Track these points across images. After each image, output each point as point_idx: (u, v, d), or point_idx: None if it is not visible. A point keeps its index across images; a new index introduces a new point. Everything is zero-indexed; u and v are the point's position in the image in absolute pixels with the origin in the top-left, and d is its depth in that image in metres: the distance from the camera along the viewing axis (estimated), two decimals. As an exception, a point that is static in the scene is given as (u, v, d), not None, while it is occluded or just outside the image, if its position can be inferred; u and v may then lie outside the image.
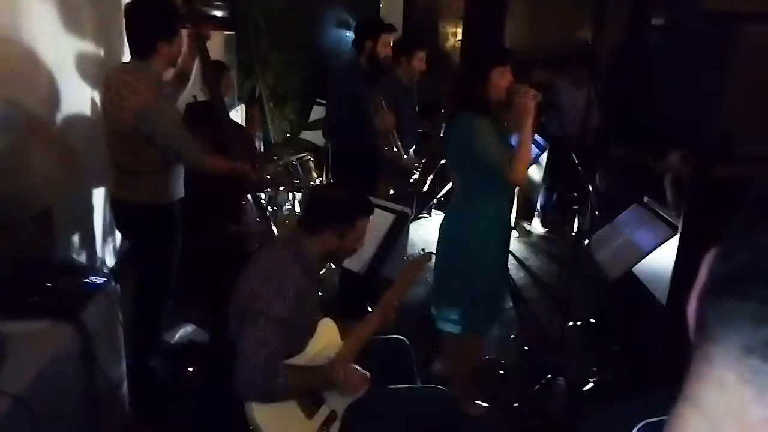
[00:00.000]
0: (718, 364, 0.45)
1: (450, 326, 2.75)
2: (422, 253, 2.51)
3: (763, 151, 1.43)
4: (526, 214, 5.40)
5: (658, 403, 0.53)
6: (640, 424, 0.55)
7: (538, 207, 5.32)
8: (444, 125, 2.65)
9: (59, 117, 3.00)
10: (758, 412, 0.42)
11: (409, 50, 3.79)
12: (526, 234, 5.32)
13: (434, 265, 2.83)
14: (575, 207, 3.52)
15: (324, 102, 4.70)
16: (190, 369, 2.90)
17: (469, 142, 2.47)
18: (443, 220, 2.82)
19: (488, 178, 2.54)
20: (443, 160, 4.15)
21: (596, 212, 3.02)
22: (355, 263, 2.59)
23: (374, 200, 2.63)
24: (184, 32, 2.72)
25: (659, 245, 2.53)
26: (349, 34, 6.46)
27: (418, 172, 4.12)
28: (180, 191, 2.84)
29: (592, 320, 3.63)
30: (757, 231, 0.45)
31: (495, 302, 2.85)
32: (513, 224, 5.27)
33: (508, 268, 3.12)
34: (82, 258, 3.23)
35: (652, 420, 0.54)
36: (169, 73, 2.88)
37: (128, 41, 2.63)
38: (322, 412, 1.92)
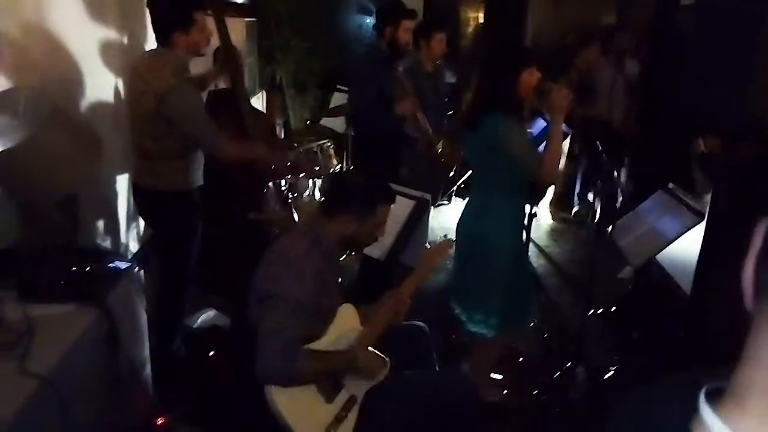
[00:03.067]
0: None
1: (482, 328, 2.73)
2: (443, 239, 2.50)
3: None
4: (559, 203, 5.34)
5: (714, 374, 0.56)
6: (705, 388, 0.56)
7: (576, 195, 5.22)
8: (466, 126, 2.62)
9: (83, 104, 3.04)
10: None
11: (428, 33, 3.76)
12: (560, 219, 5.27)
13: (454, 263, 2.82)
14: (599, 193, 3.47)
15: (345, 89, 4.69)
16: (211, 353, 2.95)
17: (500, 142, 2.46)
18: (461, 217, 2.77)
19: (513, 178, 2.55)
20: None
21: (621, 199, 2.97)
22: (375, 250, 2.60)
23: (394, 187, 2.63)
24: (208, 20, 2.72)
25: (684, 233, 2.49)
26: (370, 20, 6.43)
27: (444, 156, 4.08)
28: (199, 179, 2.87)
29: (613, 308, 3.60)
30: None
31: (524, 298, 2.81)
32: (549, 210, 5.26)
33: (529, 259, 3.08)
34: (107, 243, 3.28)
35: (716, 384, 0.56)
36: (197, 66, 2.90)
37: (153, 30, 2.69)
38: (342, 397, 1.94)
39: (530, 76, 2.48)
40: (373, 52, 3.74)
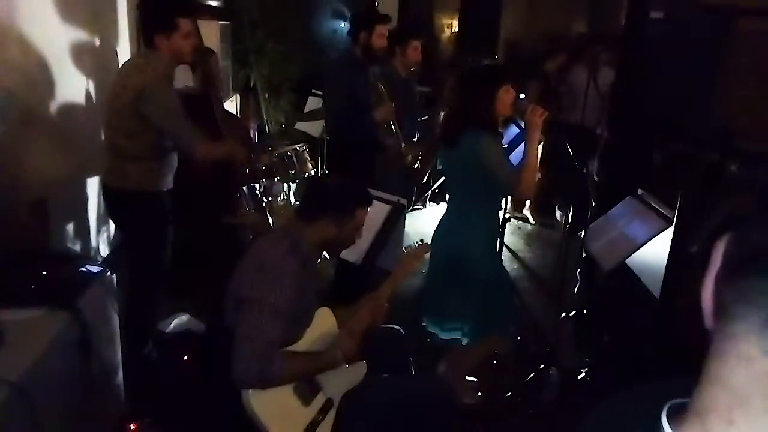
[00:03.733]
0: (742, 340, 0.49)
1: (456, 335, 2.75)
2: (419, 243, 2.51)
3: (760, 144, 1.46)
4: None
5: (678, 387, 0.57)
6: (668, 405, 0.57)
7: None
8: (444, 142, 2.67)
9: (54, 107, 2.99)
10: None
11: (404, 40, 3.79)
12: (541, 224, 5.33)
13: (427, 275, 2.84)
14: (570, 197, 3.55)
15: (319, 93, 4.70)
16: (185, 357, 2.92)
17: (478, 159, 2.52)
18: (437, 230, 2.79)
19: (489, 194, 2.62)
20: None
21: (592, 203, 3.04)
22: (351, 254, 2.60)
23: (371, 191, 2.65)
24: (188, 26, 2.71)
25: (652, 238, 2.55)
26: (344, 25, 6.45)
27: (418, 162, 4.12)
28: (168, 183, 2.85)
29: (585, 311, 3.66)
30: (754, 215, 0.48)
31: (503, 308, 2.83)
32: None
33: (504, 267, 3.13)
34: (77, 247, 3.23)
35: (679, 401, 0.56)
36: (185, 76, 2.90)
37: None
38: (319, 400, 1.94)
39: (506, 93, 2.57)
40: (347, 57, 3.75)
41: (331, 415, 1.95)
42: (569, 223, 3.20)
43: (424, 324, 2.83)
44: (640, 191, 2.88)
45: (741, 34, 1.29)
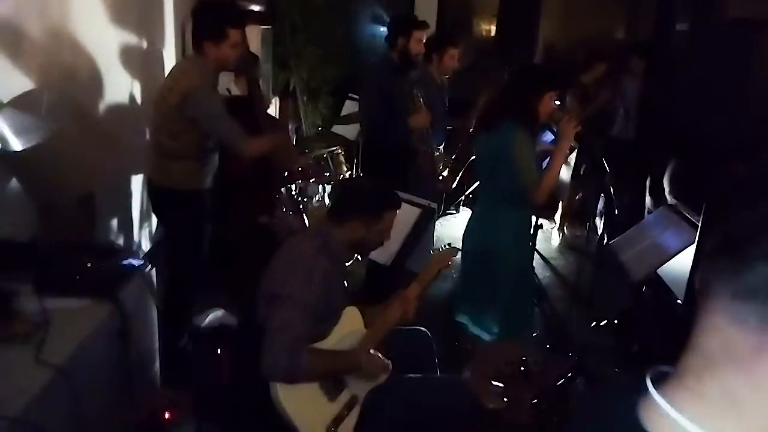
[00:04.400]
0: (714, 312, 0.59)
1: (483, 332, 2.81)
2: (448, 247, 2.55)
3: None
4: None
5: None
6: (651, 372, 0.66)
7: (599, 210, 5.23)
8: (479, 131, 2.71)
9: (103, 106, 3.13)
10: (744, 345, 0.56)
11: (442, 47, 3.82)
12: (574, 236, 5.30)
13: (460, 271, 2.88)
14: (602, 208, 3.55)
15: (356, 97, 4.77)
16: (218, 351, 3.01)
17: (510, 150, 2.58)
18: (468, 224, 2.86)
19: (518, 187, 2.65)
20: (472, 157, 4.18)
21: (615, 212, 3.05)
22: (381, 255, 2.66)
23: (401, 195, 2.69)
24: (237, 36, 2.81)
25: (685, 248, 2.53)
26: (384, 30, 6.51)
27: (447, 170, 4.16)
28: (209, 182, 2.96)
29: (615, 321, 3.63)
30: (735, 208, 0.62)
31: (525, 307, 2.89)
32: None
33: (534, 271, 3.16)
34: (121, 241, 3.37)
35: (662, 369, 0.66)
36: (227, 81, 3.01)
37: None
38: (344, 396, 1.99)
39: (550, 100, 2.64)
40: (384, 62, 3.81)
41: (355, 412, 2.01)
42: (601, 233, 3.20)
43: (456, 316, 2.88)
44: (673, 201, 2.86)
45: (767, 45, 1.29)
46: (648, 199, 3.69)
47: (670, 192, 3.16)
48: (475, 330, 2.80)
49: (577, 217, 5.29)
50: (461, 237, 2.90)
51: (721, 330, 0.58)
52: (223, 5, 2.82)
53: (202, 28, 2.74)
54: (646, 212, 3.72)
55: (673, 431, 0.61)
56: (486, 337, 2.76)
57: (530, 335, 3.57)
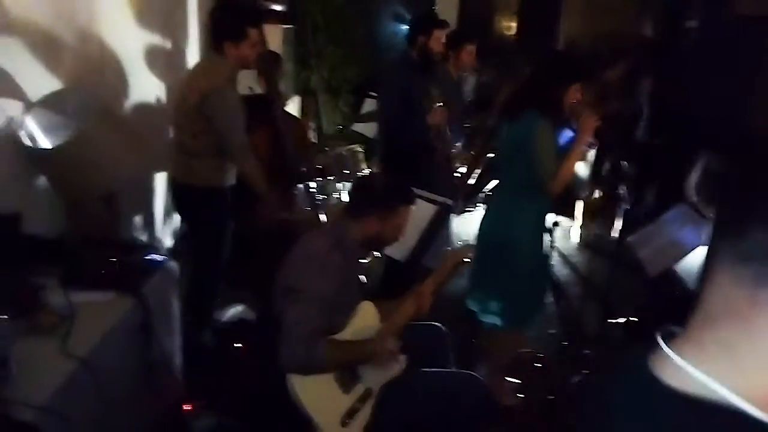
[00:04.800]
0: (716, 273, 0.67)
1: (491, 319, 2.83)
2: (462, 244, 2.58)
3: None
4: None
5: None
6: (660, 332, 0.74)
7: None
8: (501, 122, 2.72)
9: (128, 106, 3.21)
10: (740, 300, 0.64)
11: (458, 44, 3.82)
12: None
13: (474, 257, 2.89)
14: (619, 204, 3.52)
15: (376, 95, 4.80)
16: (239, 345, 3.07)
17: (532, 139, 2.58)
18: (485, 213, 2.88)
19: (537, 179, 2.65)
20: (490, 155, 4.18)
21: (628, 207, 3.04)
22: (397, 251, 2.69)
23: (418, 191, 2.72)
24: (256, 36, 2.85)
25: (701, 244, 2.52)
26: (405, 28, 6.53)
27: (465, 167, 4.17)
28: (231, 178, 3.00)
29: (633, 318, 3.61)
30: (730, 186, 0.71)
31: (535, 298, 2.90)
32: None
33: (551, 264, 3.16)
34: (144, 237, 3.45)
35: (671, 328, 0.74)
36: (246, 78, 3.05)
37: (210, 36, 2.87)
38: (358, 389, 2.03)
39: (575, 92, 2.62)
40: (403, 60, 3.83)
41: (369, 405, 2.04)
42: (620, 230, 3.18)
43: (469, 304, 2.93)
44: (694, 198, 2.84)
45: None
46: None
47: (694, 190, 3.13)
48: (485, 317, 2.84)
49: (596, 215, 5.25)
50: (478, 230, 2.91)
51: (722, 287, 0.66)
52: (242, 5, 2.87)
53: (222, 28, 2.77)
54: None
55: (678, 374, 0.69)
56: (496, 322, 2.80)
57: (547, 331, 3.59)
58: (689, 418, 0.68)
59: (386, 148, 3.97)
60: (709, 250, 0.70)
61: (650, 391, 0.71)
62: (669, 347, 0.71)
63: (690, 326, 0.71)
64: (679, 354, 0.70)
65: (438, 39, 3.69)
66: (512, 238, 2.71)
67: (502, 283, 2.76)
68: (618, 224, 3.20)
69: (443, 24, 3.79)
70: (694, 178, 3.09)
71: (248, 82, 3.59)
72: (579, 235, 5.22)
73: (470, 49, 3.83)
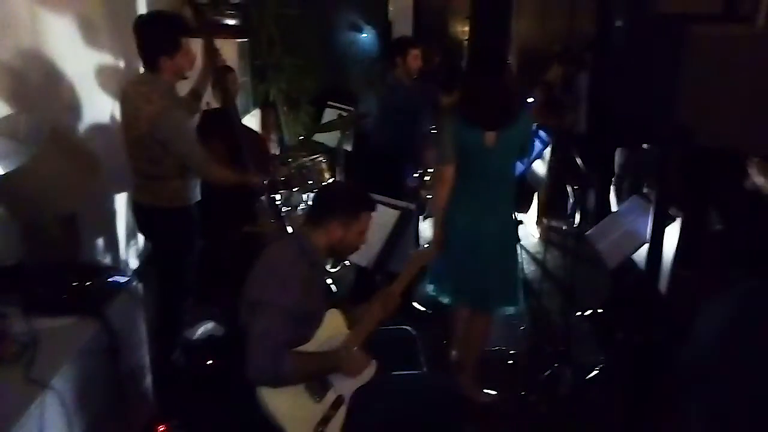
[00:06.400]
0: None
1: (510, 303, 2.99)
2: (427, 247, 2.61)
3: (718, 142, 1.54)
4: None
5: None
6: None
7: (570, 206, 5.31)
8: (507, 121, 2.80)
9: (81, 126, 3.17)
10: None
11: (403, 50, 3.91)
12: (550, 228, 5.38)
13: (481, 260, 2.89)
14: (578, 200, 3.63)
15: (336, 105, 4.85)
16: (209, 362, 3.05)
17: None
18: (489, 222, 2.85)
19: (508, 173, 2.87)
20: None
21: (574, 200, 3.16)
22: (363, 258, 2.71)
23: (381, 198, 2.75)
24: (194, 42, 2.82)
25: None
26: (365, 36, 6.60)
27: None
28: (197, 195, 2.97)
29: (599, 310, 3.70)
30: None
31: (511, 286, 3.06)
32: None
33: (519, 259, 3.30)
34: (107, 259, 3.40)
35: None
36: (182, 87, 2.99)
37: (139, 55, 2.75)
38: (330, 397, 2.04)
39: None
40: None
41: (342, 412, 2.05)
42: (578, 224, 3.28)
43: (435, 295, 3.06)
44: (645, 189, 2.93)
45: (693, 39, 1.37)
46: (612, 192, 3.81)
47: (643, 181, 3.24)
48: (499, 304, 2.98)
49: (549, 210, 5.37)
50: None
51: None
52: (169, 16, 2.77)
53: (155, 43, 2.66)
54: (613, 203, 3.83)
55: None
56: (515, 306, 2.99)
57: (517, 328, 3.66)
58: None
59: (373, 160, 4.04)
60: None
61: None
62: None
63: None
64: None
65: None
66: (514, 234, 3.01)
67: (513, 272, 2.96)
68: (575, 219, 3.29)
69: (415, 42, 4.05)
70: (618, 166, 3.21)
71: (205, 98, 3.58)
72: (538, 231, 5.32)
73: (415, 53, 3.91)
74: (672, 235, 2.58)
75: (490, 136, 2.72)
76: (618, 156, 3.78)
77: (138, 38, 2.69)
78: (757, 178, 2.55)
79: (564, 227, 5.25)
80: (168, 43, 2.66)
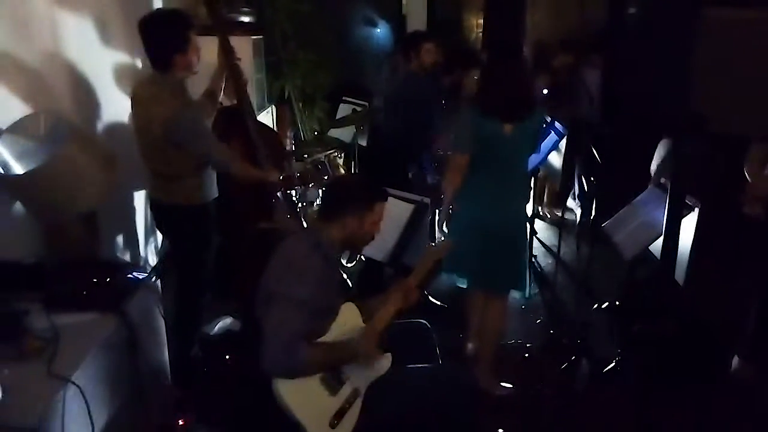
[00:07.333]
0: None
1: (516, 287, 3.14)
2: (443, 240, 2.61)
3: (731, 129, 1.51)
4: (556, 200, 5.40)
5: None
6: None
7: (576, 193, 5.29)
8: (521, 116, 2.81)
9: (100, 126, 3.21)
10: None
11: (416, 44, 3.90)
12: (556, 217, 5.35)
13: (492, 248, 2.90)
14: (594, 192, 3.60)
15: (351, 100, 4.86)
16: (227, 357, 3.08)
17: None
18: (501, 213, 2.89)
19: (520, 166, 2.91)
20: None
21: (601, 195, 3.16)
22: (378, 252, 2.72)
23: (396, 192, 2.77)
24: (205, 39, 2.83)
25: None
26: (379, 30, 6.60)
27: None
28: (214, 192, 2.99)
29: (617, 303, 3.68)
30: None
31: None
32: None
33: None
34: (126, 256, 3.45)
35: None
36: (196, 85, 3.01)
37: (146, 55, 2.74)
38: (345, 390, 2.05)
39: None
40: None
41: (357, 405, 2.06)
42: (594, 216, 3.25)
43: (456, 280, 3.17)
44: (662, 180, 2.90)
45: (707, 23, 1.34)
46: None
47: (661, 172, 3.20)
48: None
49: (558, 201, 5.34)
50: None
51: None
52: (172, 13, 2.77)
53: (166, 41, 2.65)
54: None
55: None
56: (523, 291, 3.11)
57: (534, 321, 3.64)
58: None
59: (382, 155, 4.07)
60: None
61: None
62: None
63: None
64: None
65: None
66: (519, 223, 3.03)
67: (520, 257, 3.06)
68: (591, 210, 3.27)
69: (430, 36, 4.03)
70: (657, 160, 3.17)
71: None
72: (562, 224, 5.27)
73: (428, 47, 3.89)
74: (689, 225, 2.56)
75: (507, 128, 2.75)
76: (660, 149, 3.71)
77: (146, 39, 2.68)
78: None
79: (574, 216, 5.22)
80: (179, 39, 2.67)
